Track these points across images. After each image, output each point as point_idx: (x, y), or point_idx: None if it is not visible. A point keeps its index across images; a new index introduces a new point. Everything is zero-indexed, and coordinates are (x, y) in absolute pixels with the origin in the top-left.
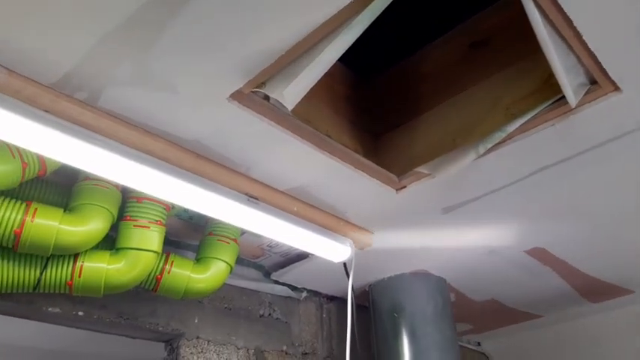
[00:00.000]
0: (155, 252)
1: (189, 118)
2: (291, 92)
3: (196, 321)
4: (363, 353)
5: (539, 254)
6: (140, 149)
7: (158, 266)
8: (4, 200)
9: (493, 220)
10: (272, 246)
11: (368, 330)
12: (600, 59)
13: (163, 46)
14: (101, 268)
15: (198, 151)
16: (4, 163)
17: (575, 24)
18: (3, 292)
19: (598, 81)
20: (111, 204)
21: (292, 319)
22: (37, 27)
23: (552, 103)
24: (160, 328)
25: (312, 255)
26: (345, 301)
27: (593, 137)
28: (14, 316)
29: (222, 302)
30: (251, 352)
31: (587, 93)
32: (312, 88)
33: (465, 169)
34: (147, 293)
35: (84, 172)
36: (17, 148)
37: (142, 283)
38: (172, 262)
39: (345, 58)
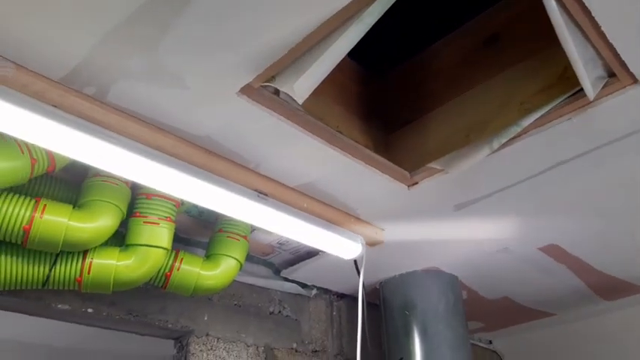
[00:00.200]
0: (165, 249)
1: (199, 113)
2: (302, 86)
3: (206, 318)
4: (374, 351)
5: (553, 251)
6: (150, 145)
7: (167, 263)
8: (13, 196)
9: (506, 216)
10: (282, 243)
11: (378, 328)
12: (619, 51)
13: (172, 40)
14: (110, 265)
15: (208, 147)
16: (13, 159)
17: (593, 14)
18: (12, 288)
19: (616, 74)
20: (120, 200)
21: (302, 317)
22: (46, 21)
23: (569, 96)
24: (170, 325)
25: (322, 252)
26: (356, 298)
27: (610, 131)
28: (23, 312)
29: (231, 299)
30: (261, 349)
31: (605, 86)
32: (322, 84)
33: (478, 165)
34: (156, 290)
35: (93, 168)
36: (26, 144)
37: (151, 279)
38: (182, 259)
39: (356, 54)
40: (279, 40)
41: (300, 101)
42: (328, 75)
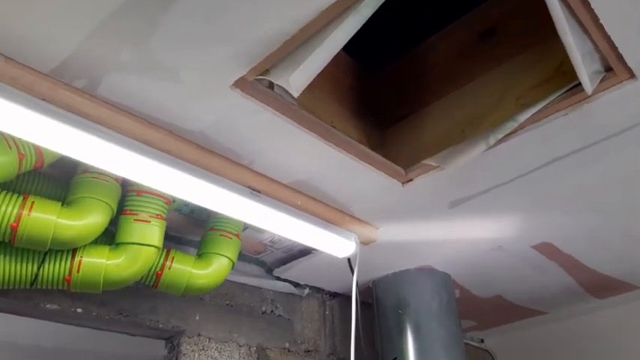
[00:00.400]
0: (156, 247)
1: (191, 108)
2: (298, 79)
3: (197, 318)
4: (367, 350)
5: (546, 249)
6: (141, 140)
7: (159, 262)
8: (0, 193)
9: (501, 214)
10: (274, 242)
11: (371, 327)
12: (617, 44)
13: (164, 32)
14: (100, 264)
15: (201, 143)
16: (0, 154)
17: (592, 6)
18: (0, 288)
19: (614, 68)
20: (110, 197)
21: (295, 316)
22: (35, 13)
23: (566, 91)
24: (161, 325)
25: (315, 251)
26: (348, 297)
27: (607, 126)
28: (11, 313)
29: (223, 299)
30: (253, 349)
31: (602, 81)
32: (316, 79)
33: (474, 161)
34: (147, 289)
35: (82, 164)
36: (14, 139)
37: (142, 279)
38: (173, 257)
39: (350, 49)
40: (274, 32)
41: (296, 95)
42: (322, 69)
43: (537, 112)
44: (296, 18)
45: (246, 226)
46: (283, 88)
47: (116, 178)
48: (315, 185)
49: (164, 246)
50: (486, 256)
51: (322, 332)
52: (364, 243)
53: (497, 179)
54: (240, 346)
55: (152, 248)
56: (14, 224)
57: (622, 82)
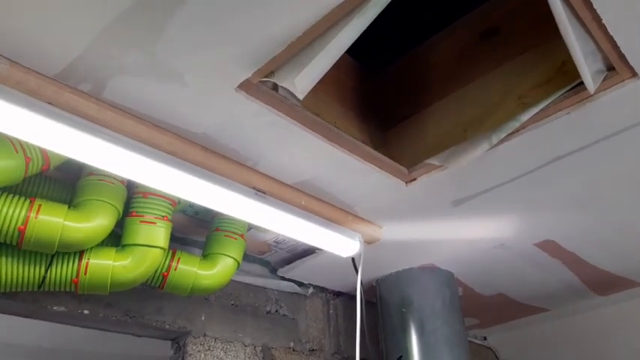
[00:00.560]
0: (162, 248)
1: (196, 110)
2: (303, 81)
3: (203, 318)
4: (372, 349)
5: (549, 247)
6: (146, 142)
7: (165, 263)
8: (7, 197)
9: (504, 212)
10: (278, 242)
11: (375, 325)
12: (619, 44)
13: (170, 36)
14: (107, 265)
15: (206, 144)
16: (7, 158)
17: (595, 6)
18: (7, 290)
19: (616, 67)
20: (116, 200)
21: (299, 316)
22: (41, 17)
23: (567, 90)
24: (167, 326)
25: (319, 250)
26: (352, 296)
27: (609, 125)
28: (19, 315)
29: (228, 299)
30: (258, 349)
31: (604, 80)
32: (319, 80)
33: (477, 161)
34: (153, 290)
35: (88, 167)
36: (20, 143)
37: (148, 280)
38: (179, 258)
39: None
40: (279, 34)
41: (301, 97)
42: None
43: (539, 111)
44: (301, 20)
45: (250, 227)
46: (287, 89)
47: (122, 180)
48: (319, 185)
49: (170, 247)
50: (489, 254)
51: (326, 331)
52: (368, 242)
53: (499, 178)
54: (246, 346)
55: (158, 249)
56: (22, 227)
57: (624, 81)
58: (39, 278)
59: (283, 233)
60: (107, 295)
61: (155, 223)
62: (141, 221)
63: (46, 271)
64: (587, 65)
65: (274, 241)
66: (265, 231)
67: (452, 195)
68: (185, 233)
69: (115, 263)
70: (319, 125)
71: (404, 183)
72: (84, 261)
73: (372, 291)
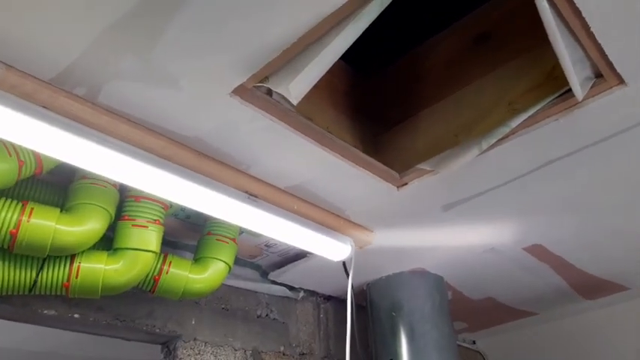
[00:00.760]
0: (153, 252)
1: (191, 115)
2: (297, 87)
3: (193, 322)
4: (361, 352)
5: (537, 251)
6: (140, 146)
7: (156, 267)
8: None
9: (493, 217)
10: (269, 245)
11: (366, 329)
12: (607, 52)
13: (166, 41)
14: (99, 269)
15: (199, 149)
16: (0, 161)
17: (584, 15)
18: None
19: (604, 74)
20: (108, 203)
21: (290, 320)
22: (38, 21)
23: (557, 97)
24: (157, 330)
25: (310, 254)
26: (342, 300)
27: (596, 132)
28: (9, 319)
29: (219, 303)
30: (248, 353)
31: (592, 87)
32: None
33: (467, 165)
34: (143, 294)
35: (80, 171)
36: (14, 146)
37: (139, 284)
38: (170, 262)
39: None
40: (274, 40)
41: (295, 102)
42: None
43: (528, 117)
44: (295, 27)
45: (241, 230)
46: (281, 94)
47: (114, 184)
48: (311, 190)
49: (161, 251)
50: (478, 259)
51: (317, 335)
52: (359, 246)
53: (489, 183)
54: (236, 350)
55: (150, 253)
56: (14, 230)
57: (612, 88)
58: (30, 282)
59: (275, 237)
60: (98, 299)
61: (147, 226)
62: (133, 225)
63: (38, 274)
64: (575, 73)
65: (265, 245)
66: (257, 235)
67: (442, 200)
68: (177, 237)
69: (107, 267)
70: (312, 130)
71: (395, 187)
72: (75, 265)
73: (363, 295)
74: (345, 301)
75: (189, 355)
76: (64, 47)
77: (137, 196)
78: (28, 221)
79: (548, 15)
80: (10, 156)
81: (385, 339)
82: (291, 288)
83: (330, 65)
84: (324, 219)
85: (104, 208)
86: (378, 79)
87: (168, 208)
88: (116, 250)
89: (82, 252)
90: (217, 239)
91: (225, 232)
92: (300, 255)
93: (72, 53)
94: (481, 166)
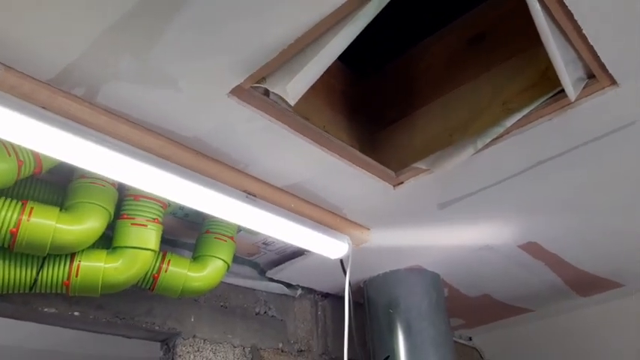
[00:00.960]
0: (152, 250)
1: (189, 115)
2: (294, 87)
3: (192, 320)
4: (359, 349)
5: (532, 249)
6: (139, 146)
7: (155, 265)
8: None
9: (489, 215)
10: (267, 243)
11: (363, 326)
12: (599, 53)
13: (164, 42)
14: (98, 267)
15: (198, 148)
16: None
17: (575, 17)
18: None
19: (596, 75)
20: (108, 202)
21: (288, 317)
22: (36, 22)
23: (550, 97)
24: (157, 328)
25: (307, 252)
26: (340, 297)
27: (589, 131)
28: (9, 317)
29: (218, 300)
30: (247, 350)
31: (584, 87)
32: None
33: (462, 165)
34: (143, 292)
35: (79, 170)
36: (13, 146)
37: (138, 282)
38: (169, 260)
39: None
40: (272, 42)
41: (293, 103)
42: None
43: (522, 117)
44: (293, 28)
45: (239, 229)
46: (279, 95)
47: (113, 183)
48: (308, 188)
49: (160, 249)
50: (474, 256)
51: (314, 332)
52: (356, 244)
53: (484, 182)
54: (235, 347)
55: (149, 252)
56: (14, 230)
57: (604, 88)
58: (30, 280)
59: (273, 235)
60: (98, 297)
61: (146, 225)
62: (132, 224)
63: (38, 273)
64: (568, 74)
65: (263, 243)
66: (254, 233)
67: (438, 198)
68: (175, 235)
69: (106, 265)
70: (309, 130)
71: (392, 186)
72: (75, 263)
73: (360, 292)
74: (342, 298)
75: (188, 352)
76: (63, 48)
77: (136, 195)
78: (28, 220)
79: (541, 17)
80: (10, 156)
81: (382, 336)
82: (288, 285)
83: (328, 66)
84: (321, 217)
85: (103, 207)
86: (374, 78)
87: (167, 206)
88: (115, 248)
89: (82, 251)
90: (216, 237)
91: (224, 231)
92: (297, 253)
93: (71, 54)
94: (476, 165)
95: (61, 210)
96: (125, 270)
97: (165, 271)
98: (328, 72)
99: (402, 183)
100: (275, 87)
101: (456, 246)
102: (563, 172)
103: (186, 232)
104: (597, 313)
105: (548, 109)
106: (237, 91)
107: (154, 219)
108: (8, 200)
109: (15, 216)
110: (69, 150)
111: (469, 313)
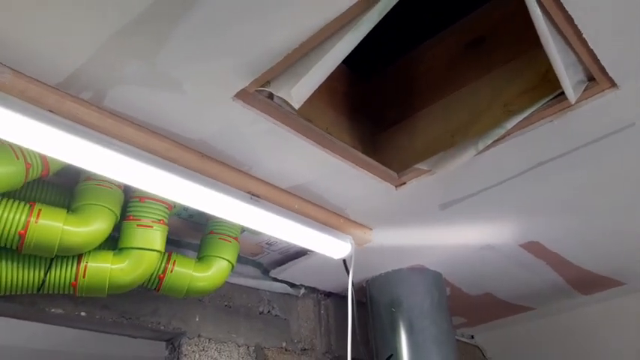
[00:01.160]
0: (158, 251)
1: (195, 118)
2: (299, 91)
3: (197, 319)
4: (362, 348)
5: (534, 248)
6: (145, 149)
7: (161, 265)
8: (7, 201)
9: (490, 215)
10: (271, 243)
11: (366, 325)
12: (599, 57)
13: (171, 47)
14: (105, 268)
15: (203, 151)
16: (8, 164)
17: (575, 22)
18: (7, 293)
19: (596, 78)
20: (114, 204)
21: (291, 316)
22: (44, 27)
23: (551, 99)
24: (162, 327)
25: (311, 252)
26: (343, 297)
27: (589, 133)
28: (17, 317)
29: (222, 300)
30: (251, 349)
31: (585, 90)
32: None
33: (464, 166)
34: (148, 292)
35: (86, 172)
36: (21, 149)
37: (144, 282)
38: (175, 261)
39: None
40: (276, 46)
41: (297, 107)
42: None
43: (523, 119)
44: (297, 33)
45: (243, 229)
46: (283, 98)
47: (119, 185)
48: (311, 190)
49: (165, 250)
50: (476, 255)
51: (318, 331)
52: (359, 244)
53: (485, 182)
54: (239, 346)
55: (155, 252)
56: (22, 231)
57: (604, 90)
58: (38, 281)
59: (277, 236)
60: (104, 298)
61: (152, 226)
62: (138, 225)
63: (46, 274)
64: (568, 76)
65: (267, 243)
66: (258, 233)
67: (440, 199)
68: (180, 236)
69: (113, 266)
70: (312, 132)
71: (394, 187)
72: (82, 264)
73: (362, 291)
74: (345, 297)
75: (193, 351)
76: (71, 53)
77: (142, 197)
78: (36, 222)
79: (542, 22)
80: (18, 159)
81: (385, 334)
82: (292, 285)
83: (332, 70)
84: (324, 218)
85: (110, 209)
86: (376, 80)
87: (172, 207)
88: (122, 249)
89: (89, 252)
90: (220, 238)
91: (228, 231)
92: (300, 253)
93: (79, 59)
94: (477, 166)
95: (68, 212)
96: (131, 271)
97: (171, 272)
98: (331, 74)
99: (404, 184)
100: (279, 91)
101: (458, 245)
102: (564, 173)
103: (190, 232)
104: (598, 311)
105: (549, 111)
106: (242, 95)
107: (160, 220)
108: (16, 202)
109: (23, 218)
110: (77, 153)
111: (471, 312)
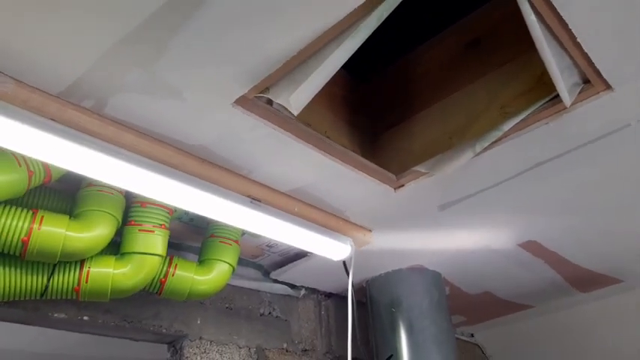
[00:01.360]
0: (160, 255)
1: (195, 125)
2: (297, 98)
3: (199, 322)
4: (362, 348)
5: (532, 247)
6: (146, 155)
7: (162, 269)
8: (10, 208)
9: (488, 216)
10: (271, 246)
11: (366, 325)
12: (594, 60)
13: (171, 55)
14: (108, 273)
15: (203, 156)
16: (11, 172)
17: (570, 26)
18: (11, 299)
19: (591, 80)
20: (115, 209)
21: (292, 317)
22: (45, 38)
23: (547, 101)
24: (164, 330)
25: (310, 254)
26: (343, 297)
27: (585, 134)
28: (20, 322)
29: (223, 302)
30: (253, 350)
31: (580, 92)
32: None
33: (461, 167)
34: (150, 296)
35: (87, 178)
36: (23, 157)
37: (146, 286)
38: (176, 264)
39: None
40: (276, 52)
41: (296, 113)
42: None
43: (520, 121)
44: (296, 40)
45: (244, 232)
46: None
47: (120, 191)
48: (311, 193)
49: (167, 254)
50: (475, 255)
51: (318, 332)
52: (358, 246)
53: (483, 184)
54: (240, 348)
55: (156, 257)
56: (25, 238)
57: (599, 93)
58: (41, 287)
59: (278, 239)
60: (106, 302)
61: (153, 231)
62: (139, 230)
63: (49, 280)
64: (563, 79)
65: (267, 245)
66: (259, 236)
67: (438, 200)
68: (181, 239)
69: (115, 271)
70: (311, 136)
71: (392, 189)
72: (85, 269)
73: (362, 291)
74: (345, 297)
75: (195, 353)
76: (72, 63)
77: (143, 202)
78: (39, 229)
79: (536, 27)
80: (21, 166)
81: (385, 334)
82: (292, 286)
83: (330, 77)
84: (324, 220)
85: (111, 215)
86: (373, 82)
87: (173, 212)
88: (124, 254)
89: (91, 257)
90: (221, 241)
91: (228, 234)
92: (300, 254)
93: (80, 68)
94: (475, 168)
95: (70, 218)
96: (133, 275)
97: (173, 276)
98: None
99: (402, 186)
100: (278, 97)
101: (457, 246)
102: (561, 174)
103: (191, 236)
104: (597, 309)
105: (545, 113)
106: (242, 101)
107: (161, 225)
108: (19, 209)
109: (26, 225)
110: (78, 161)
111: (470, 311)
